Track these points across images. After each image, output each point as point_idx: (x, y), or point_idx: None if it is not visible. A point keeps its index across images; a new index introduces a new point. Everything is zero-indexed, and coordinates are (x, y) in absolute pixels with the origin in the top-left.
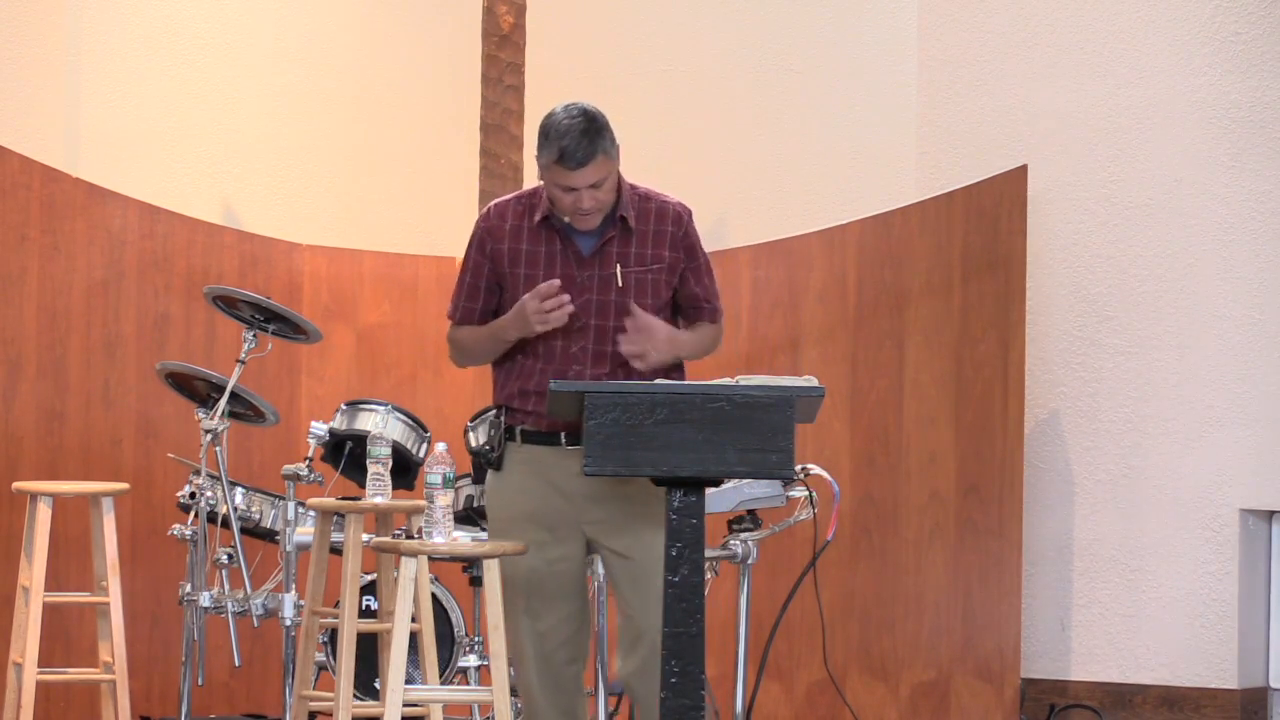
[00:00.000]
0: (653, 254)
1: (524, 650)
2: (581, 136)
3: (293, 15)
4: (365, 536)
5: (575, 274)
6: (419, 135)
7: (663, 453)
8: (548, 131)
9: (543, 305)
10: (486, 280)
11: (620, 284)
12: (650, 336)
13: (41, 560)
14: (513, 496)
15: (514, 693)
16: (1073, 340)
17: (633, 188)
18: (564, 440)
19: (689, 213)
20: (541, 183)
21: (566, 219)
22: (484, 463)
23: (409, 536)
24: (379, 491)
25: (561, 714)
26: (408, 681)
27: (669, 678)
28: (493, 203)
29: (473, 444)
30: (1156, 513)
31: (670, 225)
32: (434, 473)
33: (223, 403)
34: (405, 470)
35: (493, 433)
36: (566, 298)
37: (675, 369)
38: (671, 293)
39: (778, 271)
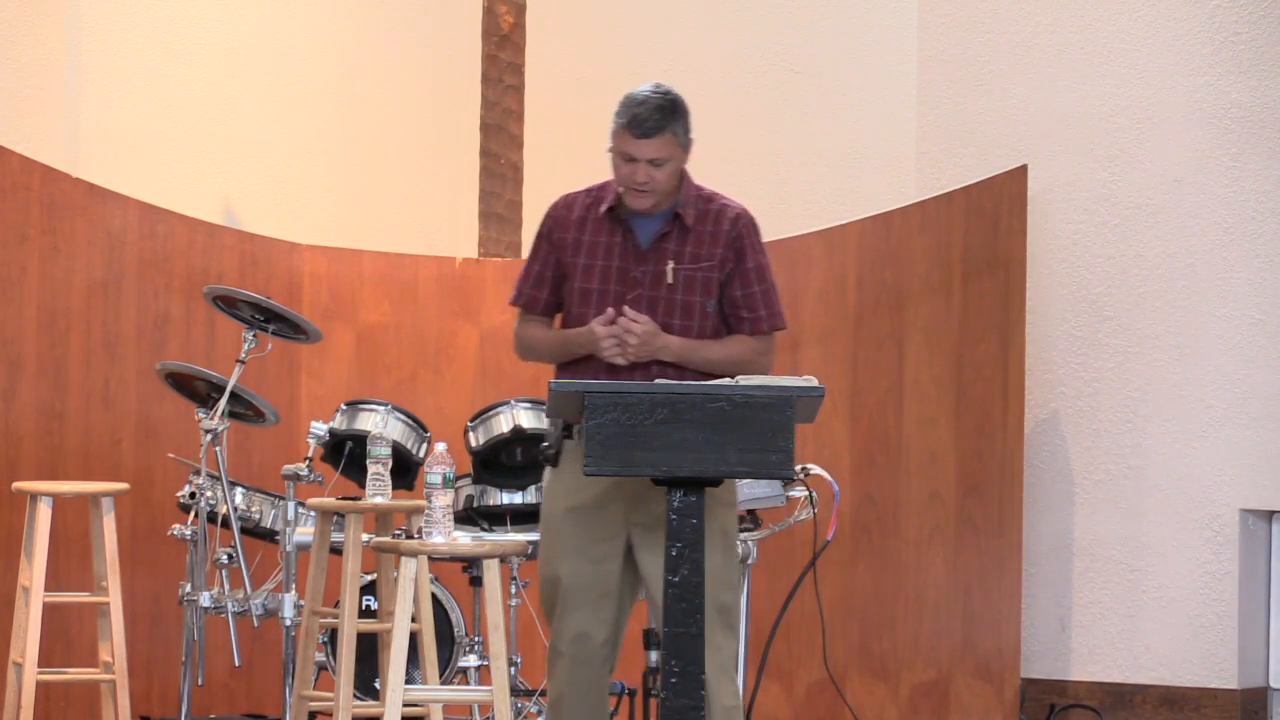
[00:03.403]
0: (706, 253)
1: (560, 650)
2: (656, 110)
3: (293, 15)
4: (365, 536)
5: (631, 268)
6: (419, 135)
7: (663, 453)
8: (627, 99)
9: (609, 332)
10: (554, 270)
11: (671, 280)
12: (628, 329)
13: (41, 560)
14: (565, 493)
15: (514, 692)
16: (1073, 340)
17: (698, 189)
18: None
19: (750, 218)
20: (612, 176)
21: (621, 190)
22: (542, 460)
23: (409, 536)
24: (379, 491)
25: (590, 714)
26: (408, 681)
27: (669, 678)
28: (563, 194)
29: (473, 444)
30: (1156, 513)
31: (726, 225)
32: (434, 473)
33: (223, 403)
34: (405, 470)
35: (550, 429)
36: (617, 338)
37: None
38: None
39: (778, 271)
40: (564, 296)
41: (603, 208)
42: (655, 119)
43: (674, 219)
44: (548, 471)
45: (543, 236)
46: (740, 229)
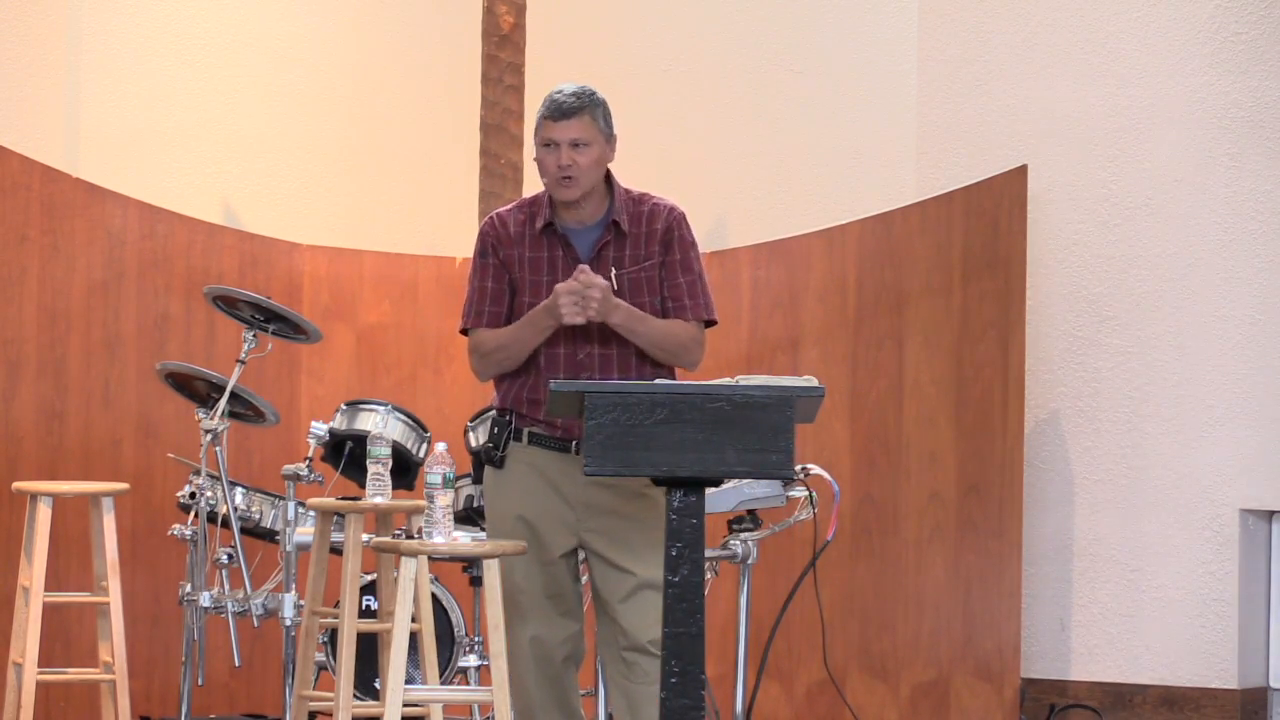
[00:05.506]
0: (645, 252)
1: (522, 652)
2: (573, 95)
3: (293, 15)
4: (365, 536)
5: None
6: (419, 135)
7: (663, 453)
8: (547, 96)
9: (569, 288)
10: (508, 285)
11: (615, 288)
12: (590, 284)
13: (41, 560)
14: (513, 495)
15: None
16: (1073, 340)
17: (627, 191)
18: (575, 449)
19: (680, 213)
20: (542, 188)
21: (545, 181)
22: (484, 460)
23: (409, 536)
24: (379, 491)
25: (561, 712)
26: (408, 681)
27: (669, 678)
28: (493, 212)
29: (473, 444)
30: (1156, 513)
31: (660, 223)
32: (434, 473)
33: (223, 403)
34: (405, 470)
35: (495, 431)
36: (577, 295)
37: (645, 363)
38: None
39: (778, 271)
40: (515, 313)
41: (539, 223)
42: (572, 102)
43: (611, 226)
44: (489, 473)
45: (488, 255)
46: (671, 223)
